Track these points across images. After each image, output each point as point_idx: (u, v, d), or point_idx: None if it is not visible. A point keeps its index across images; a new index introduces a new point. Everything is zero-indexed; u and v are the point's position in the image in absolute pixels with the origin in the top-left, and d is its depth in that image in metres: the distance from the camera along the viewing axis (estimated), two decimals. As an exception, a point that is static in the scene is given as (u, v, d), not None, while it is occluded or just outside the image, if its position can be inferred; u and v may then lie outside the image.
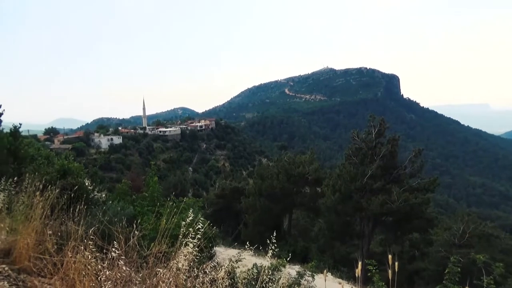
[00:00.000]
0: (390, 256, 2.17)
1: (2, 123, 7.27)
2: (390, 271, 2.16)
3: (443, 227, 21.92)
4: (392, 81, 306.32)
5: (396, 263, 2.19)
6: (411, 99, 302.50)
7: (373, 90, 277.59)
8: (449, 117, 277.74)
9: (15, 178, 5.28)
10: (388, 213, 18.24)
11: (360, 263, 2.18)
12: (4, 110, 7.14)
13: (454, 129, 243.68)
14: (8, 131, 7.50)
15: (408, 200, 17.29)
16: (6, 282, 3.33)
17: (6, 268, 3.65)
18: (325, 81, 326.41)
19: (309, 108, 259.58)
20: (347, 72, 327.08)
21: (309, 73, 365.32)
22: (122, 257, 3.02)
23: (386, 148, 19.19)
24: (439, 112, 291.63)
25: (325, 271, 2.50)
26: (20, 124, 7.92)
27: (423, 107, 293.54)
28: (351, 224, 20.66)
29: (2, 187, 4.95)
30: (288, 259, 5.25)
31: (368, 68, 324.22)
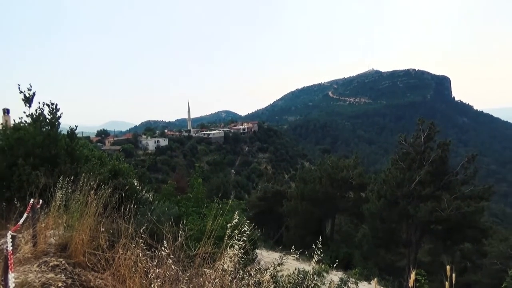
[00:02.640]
0: (448, 267, 2.06)
1: (60, 126, 7.66)
2: (447, 283, 2.05)
3: (499, 238, 20.58)
4: (442, 83, 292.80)
5: (454, 275, 2.07)
6: (464, 101, 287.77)
7: (421, 93, 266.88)
8: (507, 121, 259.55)
9: (72, 177, 5.58)
10: (437, 221, 17.46)
11: (413, 273, 2.07)
12: (62, 113, 7.52)
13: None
14: (65, 133, 7.92)
15: (459, 208, 16.41)
16: (63, 275, 3.54)
17: (63, 262, 3.88)
18: (370, 83, 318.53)
19: (353, 111, 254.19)
20: (393, 74, 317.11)
21: (354, 75, 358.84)
22: (170, 256, 3.11)
23: (436, 153, 18.40)
24: (495, 115, 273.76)
25: (375, 279, 2.40)
26: (76, 126, 8.28)
27: (476, 110, 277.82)
28: (397, 231, 19.96)
29: (60, 185, 5.25)
30: (334, 265, 5.13)
31: (416, 69, 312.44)
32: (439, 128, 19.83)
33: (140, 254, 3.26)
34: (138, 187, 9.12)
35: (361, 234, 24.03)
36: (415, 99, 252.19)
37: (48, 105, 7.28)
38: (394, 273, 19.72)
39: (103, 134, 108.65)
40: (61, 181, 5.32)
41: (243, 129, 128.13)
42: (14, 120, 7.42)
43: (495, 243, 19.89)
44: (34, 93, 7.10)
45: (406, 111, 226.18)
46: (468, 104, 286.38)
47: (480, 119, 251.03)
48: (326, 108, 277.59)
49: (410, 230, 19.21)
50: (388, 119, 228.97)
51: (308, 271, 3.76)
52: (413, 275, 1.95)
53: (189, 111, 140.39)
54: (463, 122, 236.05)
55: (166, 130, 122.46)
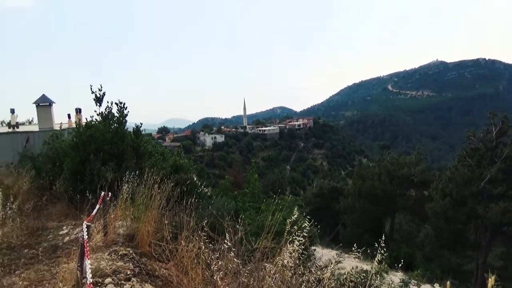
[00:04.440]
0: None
1: (127, 123, 8.13)
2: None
3: None
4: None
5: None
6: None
7: (493, 84, 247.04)
8: None
9: (137, 172, 5.92)
10: (510, 223, 16.11)
11: (492, 277, 1.92)
12: (128, 111, 7.98)
13: None
14: (131, 130, 8.40)
15: (536, 209, 15.01)
16: (131, 264, 3.79)
17: (131, 251, 4.15)
18: (434, 75, 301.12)
19: (415, 105, 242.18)
20: (460, 65, 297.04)
21: (416, 67, 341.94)
22: (232, 249, 3.20)
23: (509, 149, 16.96)
24: None
25: (448, 283, 2.26)
26: (141, 124, 8.73)
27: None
28: (464, 232, 18.77)
29: (126, 179, 5.59)
30: (399, 265, 4.93)
31: (487, 59, 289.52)
32: (513, 122, 18.27)
33: (203, 247, 3.39)
34: (197, 182, 9.43)
35: (424, 234, 22.95)
36: (485, 91, 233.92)
37: (116, 104, 7.77)
38: (461, 276, 18.56)
39: (163, 131, 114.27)
40: (127, 175, 5.64)
41: (298, 125, 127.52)
42: (86, 119, 8.02)
43: None
44: (104, 93, 7.61)
45: (474, 104, 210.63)
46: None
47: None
48: (385, 103, 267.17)
49: (479, 231, 17.97)
50: (454, 112, 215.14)
51: (369, 270, 3.66)
52: (492, 280, 1.80)
53: (244, 108, 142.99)
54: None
55: (222, 127, 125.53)
